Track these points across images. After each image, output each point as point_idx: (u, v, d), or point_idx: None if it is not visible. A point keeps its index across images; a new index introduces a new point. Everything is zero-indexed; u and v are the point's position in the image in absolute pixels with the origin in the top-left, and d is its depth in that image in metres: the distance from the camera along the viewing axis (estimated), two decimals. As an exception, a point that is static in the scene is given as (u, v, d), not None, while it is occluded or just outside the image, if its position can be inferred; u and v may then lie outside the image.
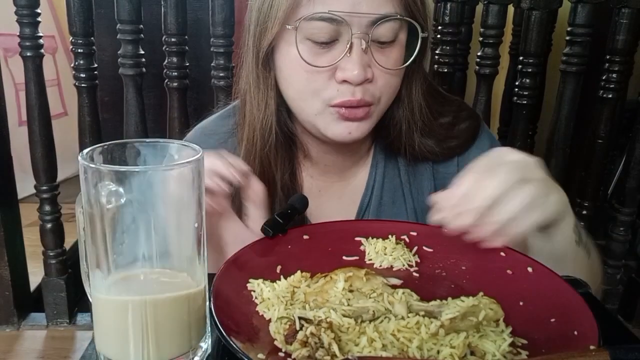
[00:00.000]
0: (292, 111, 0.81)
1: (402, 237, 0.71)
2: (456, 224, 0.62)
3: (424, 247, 0.70)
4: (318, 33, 0.72)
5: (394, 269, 0.66)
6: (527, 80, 1.44)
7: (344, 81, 0.73)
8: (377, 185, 0.88)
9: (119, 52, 1.39)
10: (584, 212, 1.56)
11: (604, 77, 1.45)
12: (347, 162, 0.89)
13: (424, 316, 0.55)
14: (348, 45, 0.72)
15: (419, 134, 0.84)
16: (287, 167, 0.85)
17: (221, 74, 1.40)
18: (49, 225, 1.51)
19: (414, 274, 0.66)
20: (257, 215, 0.74)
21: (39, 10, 1.38)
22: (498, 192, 0.60)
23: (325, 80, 0.75)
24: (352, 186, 0.90)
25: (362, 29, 0.72)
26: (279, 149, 0.83)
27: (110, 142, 0.53)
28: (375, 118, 0.79)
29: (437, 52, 1.48)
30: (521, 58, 1.44)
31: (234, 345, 0.48)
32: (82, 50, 1.40)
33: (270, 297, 0.58)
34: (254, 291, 0.60)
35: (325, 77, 0.74)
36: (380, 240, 0.70)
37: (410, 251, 0.69)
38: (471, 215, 0.61)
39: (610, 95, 1.45)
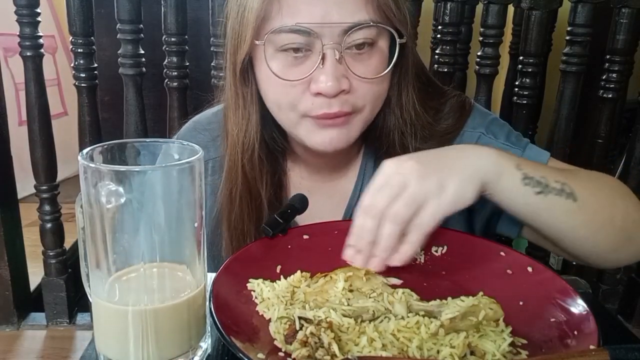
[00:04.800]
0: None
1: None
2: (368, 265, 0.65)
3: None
4: (288, 46, 0.70)
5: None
6: (527, 80, 1.44)
7: (319, 93, 0.71)
8: (365, 185, 0.87)
9: (119, 52, 1.39)
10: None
11: (604, 77, 1.45)
12: (338, 164, 0.89)
13: (424, 316, 0.55)
14: (320, 57, 0.69)
15: (416, 141, 0.82)
16: (272, 180, 0.83)
17: (221, 74, 1.39)
18: (48, 225, 1.51)
19: (414, 273, 0.66)
20: None
21: (38, 10, 1.38)
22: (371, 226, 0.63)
23: (300, 93, 0.73)
24: (341, 186, 0.89)
25: (334, 39, 0.69)
26: (263, 163, 0.82)
27: (110, 142, 0.53)
28: (359, 126, 0.77)
29: (437, 52, 1.48)
30: (521, 58, 1.44)
31: (234, 345, 0.48)
32: (82, 50, 1.40)
33: (270, 296, 0.58)
34: (254, 291, 0.60)
35: (300, 90, 0.72)
36: None
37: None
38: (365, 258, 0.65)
39: (610, 95, 1.45)
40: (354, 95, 0.73)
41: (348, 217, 0.88)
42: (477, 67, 1.47)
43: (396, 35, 0.73)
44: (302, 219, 0.83)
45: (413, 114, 0.81)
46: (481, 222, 0.84)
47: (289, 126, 0.77)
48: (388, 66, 0.75)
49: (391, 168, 0.64)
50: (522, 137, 0.86)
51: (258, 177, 0.82)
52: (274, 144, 0.83)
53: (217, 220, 0.87)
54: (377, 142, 0.84)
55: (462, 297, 0.59)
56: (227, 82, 0.80)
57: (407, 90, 0.80)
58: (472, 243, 0.69)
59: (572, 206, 0.68)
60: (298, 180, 0.89)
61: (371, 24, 0.70)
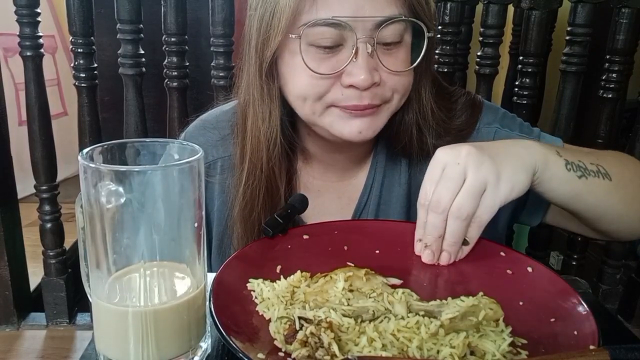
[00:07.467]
0: (297, 115, 0.80)
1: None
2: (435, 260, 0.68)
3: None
4: (322, 39, 0.71)
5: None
6: (527, 80, 1.44)
7: (351, 86, 0.72)
8: (376, 184, 0.88)
9: (119, 52, 1.39)
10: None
11: (604, 77, 1.45)
12: (349, 162, 0.89)
13: (424, 316, 0.55)
14: (354, 50, 0.71)
15: (432, 137, 0.83)
16: (286, 178, 0.84)
17: (221, 74, 1.40)
18: (48, 225, 1.51)
19: (414, 273, 0.66)
20: None
21: (38, 10, 1.38)
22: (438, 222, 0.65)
23: (330, 85, 0.74)
24: (351, 185, 0.90)
25: (366, 33, 0.71)
26: (282, 159, 0.83)
27: (110, 142, 0.53)
28: (386, 116, 0.78)
29: (437, 52, 1.48)
30: (521, 58, 1.44)
31: (234, 345, 0.48)
32: (82, 50, 1.40)
33: (270, 297, 0.58)
34: (254, 291, 0.60)
35: (330, 82, 0.74)
36: None
37: None
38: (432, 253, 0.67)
39: (610, 95, 1.45)
40: (383, 88, 0.75)
41: (357, 217, 0.88)
42: (477, 67, 1.47)
43: (425, 29, 0.75)
44: (310, 219, 0.84)
45: (430, 110, 0.82)
46: (506, 214, 0.86)
47: (313, 116, 0.77)
48: (412, 59, 0.76)
49: (447, 157, 0.65)
50: (530, 126, 0.90)
51: (278, 173, 0.82)
52: (287, 143, 0.84)
53: (227, 218, 0.86)
54: (394, 139, 0.85)
55: (462, 297, 0.59)
56: (249, 80, 0.80)
57: (426, 86, 0.82)
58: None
59: (609, 185, 0.73)
60: (308, 179, 0.90)
61: (402, 17, 0.72)
